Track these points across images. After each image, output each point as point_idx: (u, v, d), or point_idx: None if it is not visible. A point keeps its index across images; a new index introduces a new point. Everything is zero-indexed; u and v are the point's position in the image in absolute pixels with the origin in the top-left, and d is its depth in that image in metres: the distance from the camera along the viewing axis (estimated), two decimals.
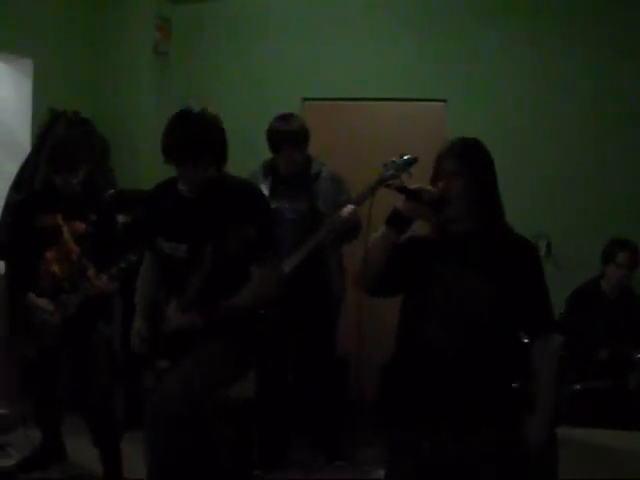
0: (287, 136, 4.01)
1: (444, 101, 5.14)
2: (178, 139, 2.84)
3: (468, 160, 2.44)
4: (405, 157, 3.83)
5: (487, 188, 2.45)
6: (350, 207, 3.91)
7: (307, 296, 3.97)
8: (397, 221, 2.41)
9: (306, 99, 5.22)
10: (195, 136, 2.84)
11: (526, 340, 2.51)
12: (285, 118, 4.08)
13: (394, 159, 3.84)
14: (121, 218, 4.26)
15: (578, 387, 4.16)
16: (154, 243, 3.04)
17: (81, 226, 3.69)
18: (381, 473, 2.60)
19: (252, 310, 3.01)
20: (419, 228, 2.53)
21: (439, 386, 2.38)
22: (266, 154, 4.11)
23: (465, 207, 2.42)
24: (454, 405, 2.37)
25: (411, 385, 2.45)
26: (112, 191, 4.75)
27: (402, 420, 2.47)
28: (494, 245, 2.43)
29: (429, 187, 2.42)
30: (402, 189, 2.42)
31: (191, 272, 2.88)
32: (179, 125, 2.88)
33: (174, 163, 2.88)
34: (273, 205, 3.76)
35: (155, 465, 2.89)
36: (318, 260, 3.98)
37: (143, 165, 5.27)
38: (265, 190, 3.98)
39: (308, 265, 3.93)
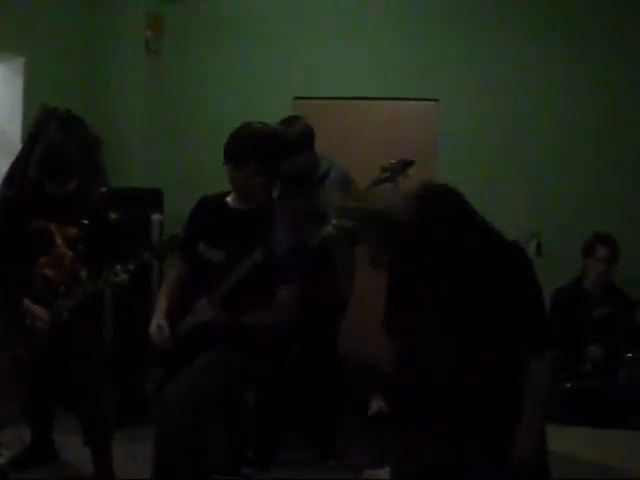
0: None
1: (436, 100, 5.15)
2: (235, 141, 3.12)
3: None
4: (401, 160, 3.83)
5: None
6: (327, 229, 3.83)
7: (308, 295, 3.94)
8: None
9: (298, 98, 5.22)
10: (246, 140, 3.10)
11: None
12: (284, 123, 4.00)
13: (392, 162, 3.82)
14: (113, 216, 4.25)
15: (568, 385, 4.18)
16: (195, 250, 3.15)
17: (72, 231, 3.64)
18: (371, 473, 2.62)
19: (271, 330, 3.08)
20: None
21: (436, 393, 2.42)
22: None
23: None
24: (453, 410, 2.40)
25: (410, 393, 2.51)
26: (104, 189, 4.75)
27: (405, 424, 2.52)
28: (479, 261, 2.42)
29: None
30: None
31: (225, 277, 2.99)
32: (242, 130, 3.17)
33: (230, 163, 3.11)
34: None
35: (161, 460, 2.94)
36: (321, 261, 3.92)
37: (134, 163, 5.27)
38: (276, 191, 3.97)
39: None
